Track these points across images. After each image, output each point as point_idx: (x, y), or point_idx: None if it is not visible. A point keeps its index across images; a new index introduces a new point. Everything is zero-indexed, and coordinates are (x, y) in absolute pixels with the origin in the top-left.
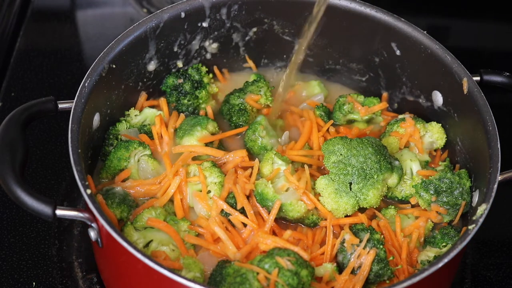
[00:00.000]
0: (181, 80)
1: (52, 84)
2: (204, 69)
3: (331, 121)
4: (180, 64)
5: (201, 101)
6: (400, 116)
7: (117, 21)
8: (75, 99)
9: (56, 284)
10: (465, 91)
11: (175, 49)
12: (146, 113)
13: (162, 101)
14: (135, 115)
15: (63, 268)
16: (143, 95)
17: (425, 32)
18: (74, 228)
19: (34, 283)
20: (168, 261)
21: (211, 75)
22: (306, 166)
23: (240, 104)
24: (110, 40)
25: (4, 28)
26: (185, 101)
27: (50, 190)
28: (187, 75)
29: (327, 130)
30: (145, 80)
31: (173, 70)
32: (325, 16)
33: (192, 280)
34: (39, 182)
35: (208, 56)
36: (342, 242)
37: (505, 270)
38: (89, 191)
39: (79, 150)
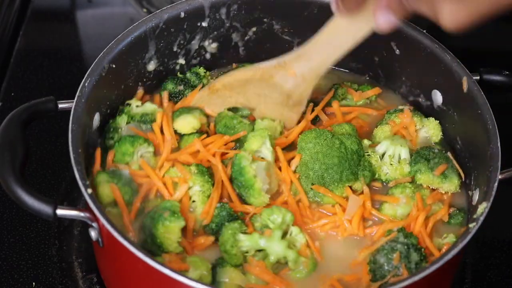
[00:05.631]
0: (181, 87)
1: (52, 84)
2: (202, 71)
3: (316, 111)
4: (181, 61)
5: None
6: (400, 107)
7: (117, 21)
8: (75, 99)
9: (56, 284)
10: (465, 90)
11: (175, 49)
12: (147, 108)
13: (164, 93)
14: (136, 106)
15: (63, 268)
16: (141, 90)
17: (425, 31)
18: (74, 228)
19: (34, 283)
20: (171, 262)
21: (209, 74)
22: (278, 148)
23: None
24: (110, 40)
25: (4, 28)
26: None
27: (50, 190)
28: (185, 81)
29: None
30: (145, 80)
31: (171, 77)
32: (325, 16)
33: (192, 279)
34: (39, 182)
35: (208, 56)
36: (390, 248)
37: (505, 270)
38: (89, 191)
39: (79, 150)
